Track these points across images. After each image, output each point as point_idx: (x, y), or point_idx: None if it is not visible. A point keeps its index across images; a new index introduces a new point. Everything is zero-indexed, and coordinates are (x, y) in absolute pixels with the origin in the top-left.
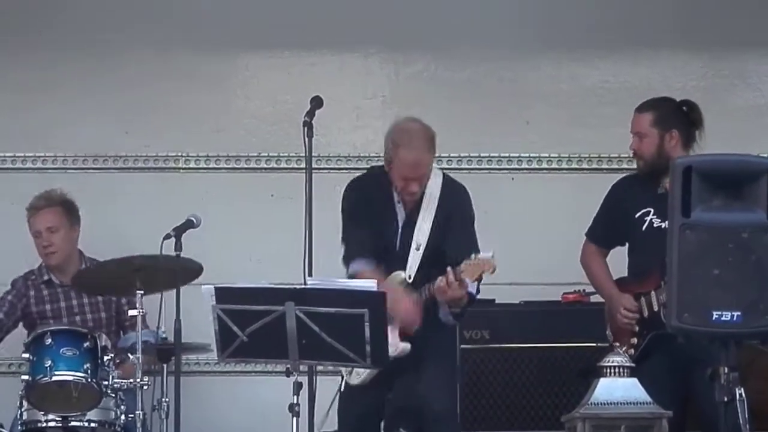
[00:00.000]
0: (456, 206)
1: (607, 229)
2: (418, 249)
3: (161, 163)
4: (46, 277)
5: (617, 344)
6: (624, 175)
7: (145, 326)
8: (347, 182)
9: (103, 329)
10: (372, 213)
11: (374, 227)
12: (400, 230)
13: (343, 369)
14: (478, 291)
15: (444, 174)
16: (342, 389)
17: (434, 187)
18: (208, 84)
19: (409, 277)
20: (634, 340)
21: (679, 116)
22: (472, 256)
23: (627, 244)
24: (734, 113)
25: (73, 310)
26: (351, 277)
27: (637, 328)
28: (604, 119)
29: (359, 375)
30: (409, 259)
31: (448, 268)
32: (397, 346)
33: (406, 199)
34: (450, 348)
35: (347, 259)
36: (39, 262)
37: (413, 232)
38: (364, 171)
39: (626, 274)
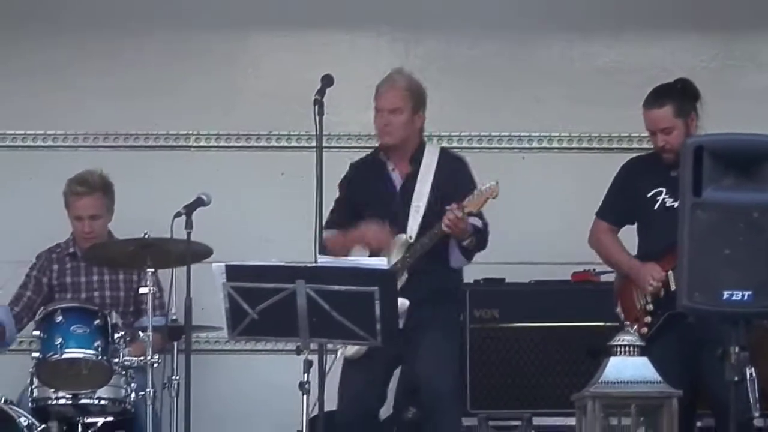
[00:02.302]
0: (454, 172)
1: (618, 207)
2: (417, 212)
3: (172, 142)
4: (71, 250)
5: (628, 323)
6: (635, 155)
7: (160, 309)
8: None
9: (120, 307)
10: (365, 186)
11: (369, 197)
12: (397, 194)
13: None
14: (486, 225)
15: (442, 148)
16: (342, 364)
17: (431, 157)
18: (219, 63)
19: (411, 238)
20: (648, 319)
21: (688, 97)
22: (474, 190)
23: (636, 224)
24: (745, 94)
25: (92, 285)
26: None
27: (651, 307)
28: (616, 99)
29: (352, 347)
30: (410, 221)
31: (452, 204)
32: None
33: (398, 167)
34: (449, 313)
35: (324, 227)
36: (67, 236)
37: (411, 197)
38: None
39: (634, 254)
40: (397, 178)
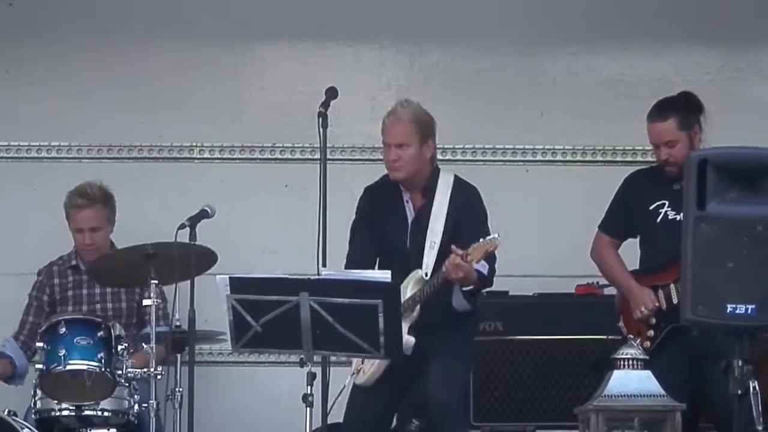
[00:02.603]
0: (468, 205)
1: (621, 220)
2: (432, 247)
3: (176, 153)
4: (73, 262)
5: (632, 336)
6: (639, 168)
7: (164, 320)
8: (361, 173)
9: (122, 319)
10: (379, 214)
11: (382, 228)
12: (409, 228)
13: (352, 366)
14: (493, 272)
15: (455, 175)
16: (351, 387)
17: (444, 186)
18: (224, 74)
19: (426, 275)
20: (651, 333)
21: (692, 110)
22: (481, 239)
23: (639, 237)
24: (750, 106)
25: (94, 298)
26: None
27: (653, 321)
28: (620, 112)
29: (365, 374)
30: (425, 257)
31: (453, 247)
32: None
33: (413, 199)
34: (462, 342)
35: (346, 264)
36: (69, 249)
37: (425, 231)
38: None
39: (636, 267)
40: (410, 211)
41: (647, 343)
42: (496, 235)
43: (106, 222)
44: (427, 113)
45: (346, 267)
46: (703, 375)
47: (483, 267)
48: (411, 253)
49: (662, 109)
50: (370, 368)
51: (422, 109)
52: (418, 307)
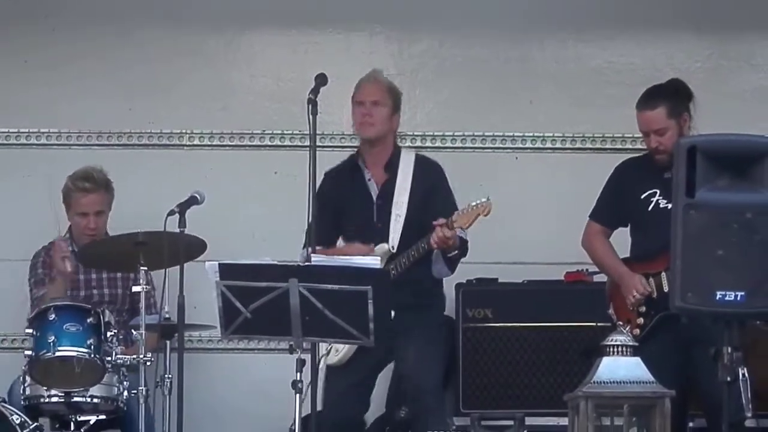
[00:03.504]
0: (432, 178)
1: (612, 208)
2: (398, 220)
3: (165, 140)
4: (70, 248)
5: (621, 323)
6: (629, 155)
7: (153, 307)
8: None
9: (116, 305)
10: (342, 197)
11: (346, 209)
12: (375, 204)
13: (321, 349)
14: (465, 236)
15: (417, 153)
16: (325, 370)
17: (407, 162)
18: (213, 61)
19: (393, 248)
20: (641, 320)
21: (681, 98)
22: (465, 206)
23: (630, 225)
24: (739, 95)
25: (91, 283)
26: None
27: (644, 308)
28: (609, 100)
29: (338, 352)
30: (391, 230)
31: (440, 220)
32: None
33: (375, 176)
34: (436, 327)
35: (307, 245)
36: (63, 232)
37: (390, 206)
38: None
39: (627, 255)
40: (374, 187)
41: (637, 331)
42: (486, 199)
43: (107, 206)
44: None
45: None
46: (693, 362)
47: (462, 233)
48: (379, 229)
49: (651, 97)
50: (343, 347)
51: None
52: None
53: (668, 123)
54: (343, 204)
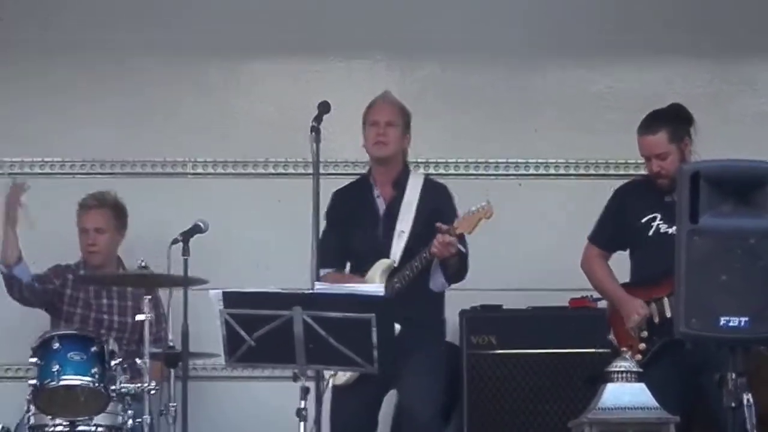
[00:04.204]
0: (439, 199)
1: (611, 232)
2: (401, 236)
3: (169, 169)
4: (81, 272)
5: (624, 349)
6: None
7: (164, 340)
8: None
9: (126, 333)
10: (349, 215)
11: (354, 227)
12: (381, 220)
13: (326, 372)
14: (467, 252)
15: (426, 176)
16: (331, 392)
17: (415, 182)
18: (216, 89)
19: (395, 262)
20: (642, 346)
21: (681, 122)
22: (465, 211)
23: (629, 249)
24: (741, 119)
25: (101, 308)
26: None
27: (645, 334)
28: (611, 125)
29: (345, 373)
30: (393, 245)
31: (440, 225)
32: None
33: (383, 193)
34: (436, 351)
35: (318, 266)
36: (77, 259)
37: (395, 221)
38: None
39: (627, 280)
40: (382, 204)
41: (639, 356)
42: (486, 202)
43: (113, 228)
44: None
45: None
46: (698, 388)
47: (460, 246)
48: (384, 244)
49: (652, 122)
50: None
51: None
52: (395, 295)
53: (669, 147)
54: (350, 220)
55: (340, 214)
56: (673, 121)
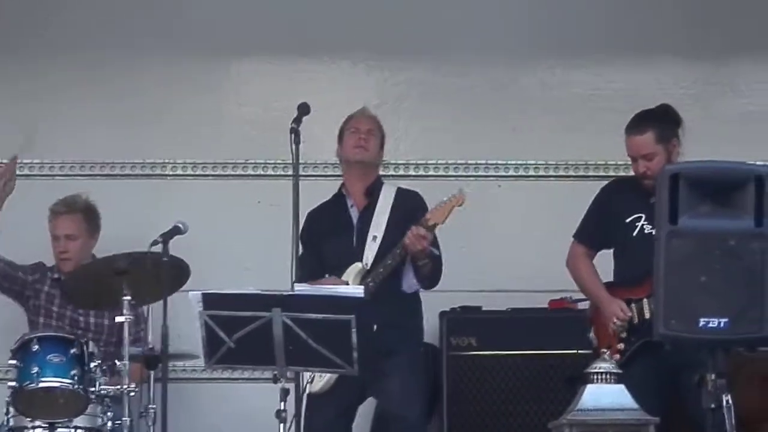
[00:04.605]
0: (412, 203)
1: (597, 230)
2: (375, 240)
3: (148, 170)
4: (55, 275)
5: (604, 350)
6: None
7: (143, 341)
8: (333, 189)
9: (103, 335)
10: (325, 227)
11: (329, 241)
12: (355, 228)
13: (305, 378)
14: (440, 256)
15: (398, 186)
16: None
17: (388, 190)
18: (196, 91)
19: (366, 265)
20: (621, 346)
21: (669, 123)
22: (439, 200)
23: (613, 249)
24: (724, 120)
25: (77, 309)
26: None
27: (624, 334)
28: (594, 126)
29: (321, 379)
30: (366, 249)
31: (413, 226)
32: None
33: (356, 202)
34: (415, 351)
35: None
36: (53, 262)
37: (368, 227)
38: None
39: (611, 279)
40: (355, 212)
41: (617, 356)
42: (459, 190)
43: (84, 233)
44: None
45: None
46: (678, 389)
47: (433, 250)
48: (358, 251)
49: (640, 122)
50: (326, 374)
51: None
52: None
53: (656, 148)
54: (324, 235)
55: (314, 235)
56: (661, 121)
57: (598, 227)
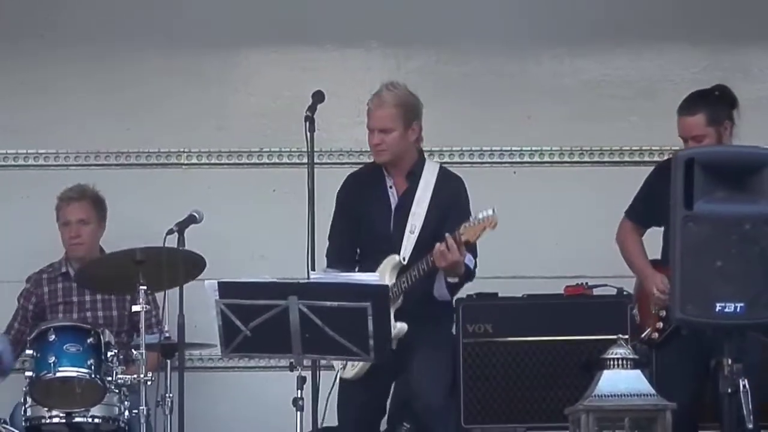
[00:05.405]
0: (452, 194)
1: (646, 208)
2: (412, 232)
3: (163, 159)
4: (63, 270)
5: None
6: (626, 168)
7: (157, 326)
8: None
9: (113, 327)
10: (361, 202)
11: (364, 216)
12: (392, 214)
13: (336, 363)
14: (475, 266)
15: (441, 166)
16: (338, 384)
17: (430, 173)
18: (210, 80)
19: (404, 259)
20: (660, 324)
21: (723, 105)
22: (471, 218)
23: (663, 228)
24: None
25: (84, 305)
26: None
27: (664, 313)
28: (606, 113)
29: (354, 367)
30: (404, 241)
31: (446, 234)
32: (393, 326)
33: (396, 183)
34: (444, 339)
35: (327, 261)
36: (61, 255)
37: (407, 217)
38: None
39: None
40: (394, 196)
41: (656, 335)
42: (491, 211)
43: (94, 219)
44: (413, 95)
45: (328, 263)
46: (709, 370)
47: (470, 261)
48: (394, 239)
49: (692, 103)
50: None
51: (408, 91)
52: (401, 296)
53: (707, 130)
54: (362, 210)
55: (352, 200)
56: (714, 103)
57: (648, 205)
